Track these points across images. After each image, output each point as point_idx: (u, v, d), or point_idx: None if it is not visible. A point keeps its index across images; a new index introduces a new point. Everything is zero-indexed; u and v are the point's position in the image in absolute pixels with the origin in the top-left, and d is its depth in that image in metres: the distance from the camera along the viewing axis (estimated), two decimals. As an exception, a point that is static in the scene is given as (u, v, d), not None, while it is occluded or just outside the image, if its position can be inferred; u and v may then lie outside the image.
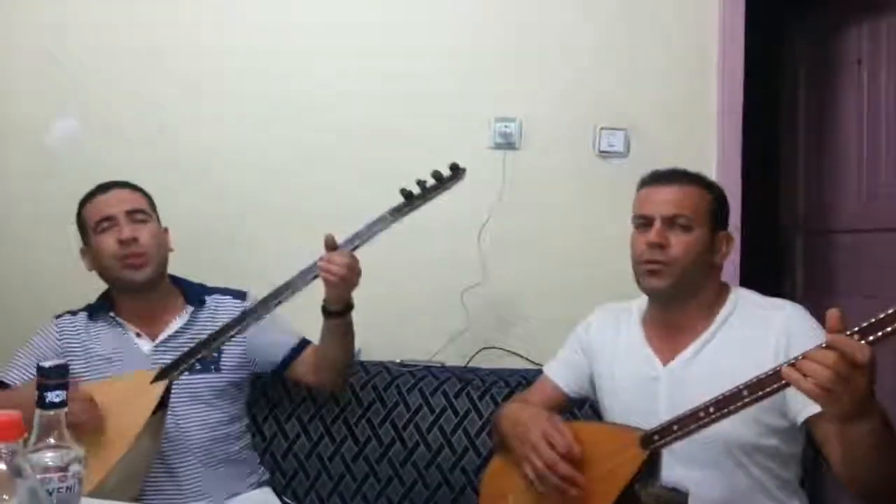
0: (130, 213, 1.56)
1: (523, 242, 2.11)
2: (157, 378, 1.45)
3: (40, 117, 2.23)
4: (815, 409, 1.13)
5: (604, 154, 2.09)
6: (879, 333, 0.92)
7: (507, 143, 2.10)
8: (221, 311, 1.64)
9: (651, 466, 1.15)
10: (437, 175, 1.52)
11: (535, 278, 2.11)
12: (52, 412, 0.83)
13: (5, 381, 1.56)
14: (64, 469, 0.82)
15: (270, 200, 2.16)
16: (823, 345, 0.94)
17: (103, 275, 1.60)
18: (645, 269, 1.31)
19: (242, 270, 2.00)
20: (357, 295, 2.12)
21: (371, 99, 2.14)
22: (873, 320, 0.93)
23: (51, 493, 0.81)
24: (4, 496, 0.78)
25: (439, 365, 1.93)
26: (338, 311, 1.54)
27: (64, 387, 0.84)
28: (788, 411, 1.22)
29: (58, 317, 1.65)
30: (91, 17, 2.22)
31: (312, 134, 2.16)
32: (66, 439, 0.83)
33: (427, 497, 1.74)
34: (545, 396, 1.50)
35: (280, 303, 1.50)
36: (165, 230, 1.67)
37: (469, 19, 2.14)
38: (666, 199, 1.30)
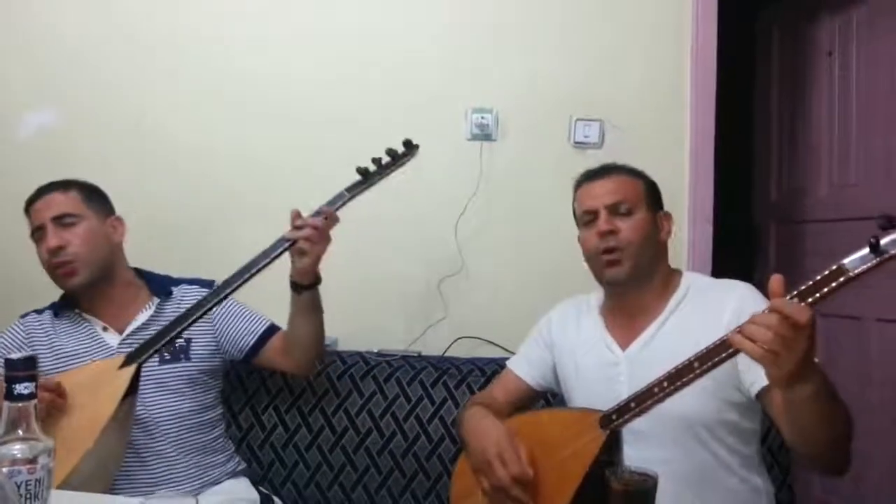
0: (57, 219, 1.53)
1: (500, 232, 2.12)
2: (125, 364, 1.44)
3: (13, 107, 2.21)
4: (766, 381, 1.16)
5: (579, 145, 2.11)
6: (817, 295, 0.95)
7: (483, 135, 2.11)
8: (188, 300, 1.62)
9: (612, 446, 1.17)
10: (391, 152, 1.54)
11: (511, 268, 2.12)
12: (20, 404, 0.83)
13: None
14: (33, 461, 0.82)
15: (246, 191, 2.15)
16: (767, 310, 0.96)
17: None
18: (604, 261, 1.35)
19: (218, 261, 1.97)
20: (334, 284, 2.14)
21: (347, 91, 2.14)
22: (810, 283, 0.96)
23: (19, 486, 0.80)
24: (-28, 489, 0.78)
25: (416, 354, 1.93)
26: (307, 285, 1.54)
27: (32, 379, 0.84)
28: (742, 385, 1.25)
29: (23, 316, 1.63)
30: (67, 6, 2.20)
31: (288, 125, 2.15)
32: (34, 431, 0.83)
33: (404, 485, 1.75)
34: (509, 391, 1.53)
35: (244, 282, 1.48)
36: (117, 220, 1.64)
37: (445, 11, 2.14)
38: (604, 191, 1.38)
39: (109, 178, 2.13)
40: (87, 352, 1.56)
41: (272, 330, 1.67)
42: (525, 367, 1.54)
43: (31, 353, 0.86)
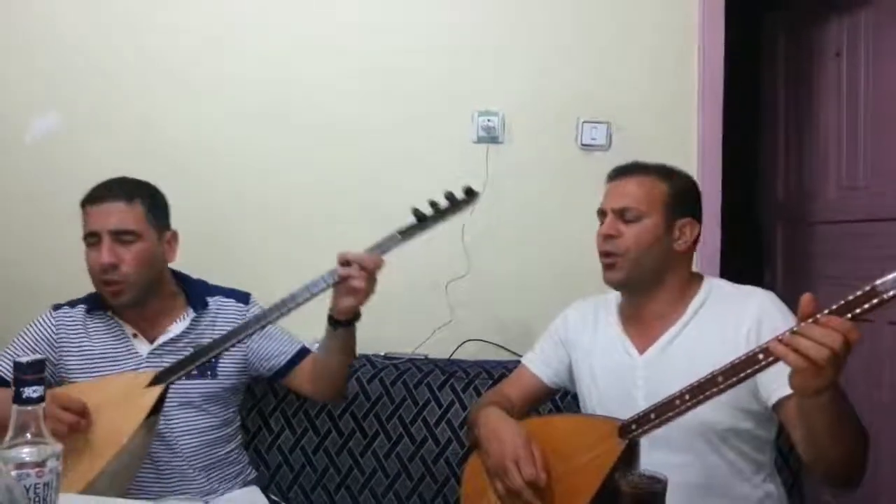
0: (116, 234, 1.47)
1: (506, 235, 2.12)
2: (153, 382, 1.41)
3: (13, 108, 2.21)
4: (785, 391, 1.16)
5: (586, 147, 2.10)
6: (848, 315, 0.95)
7: (490, 137, 2.11)
8: (223, 315, 1.60)
9: (630, 455, 1.16)
10: (449, 196, 1.48)
11: (518, 270, 2.12)
12: (28, 408, 0.83)
13: None
14: (41, 465, 0.82)
15: (252, 198, 2.15)
16: (812, 322, 0.95)
17: None
18: (603, 263, 1.36)
19: (221, 263, 1.97)
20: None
21: (354, 96, 2.14)
22: (842, 302, 0.96)
23: (28, 489, 0.80)
24: (-20, 492, 0.78)
25: (423, 357, 1.93)
26: (348, 321, 1.50)
27: (40, 382, 0.84)
28: (760, 395, 1.24)
29: (56, 308, 1.60)
30: (79, 12, 2.20)
31: (295, 131, 2.15)
32: (43, 435, 0.83)
33: (411, 489, 1.75)
34: (523, 387, 1.53)
35: (286, 313, 1.46)
36: (173, 235, 1.59)
37: (451, 14, 2.14)
38: (617, 194, 1.37)
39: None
40: (114, 357, 1.53)
41: (303, 353, 1.64)
42: (540, 365, 1.53)
43: (42, 356, 0.86)
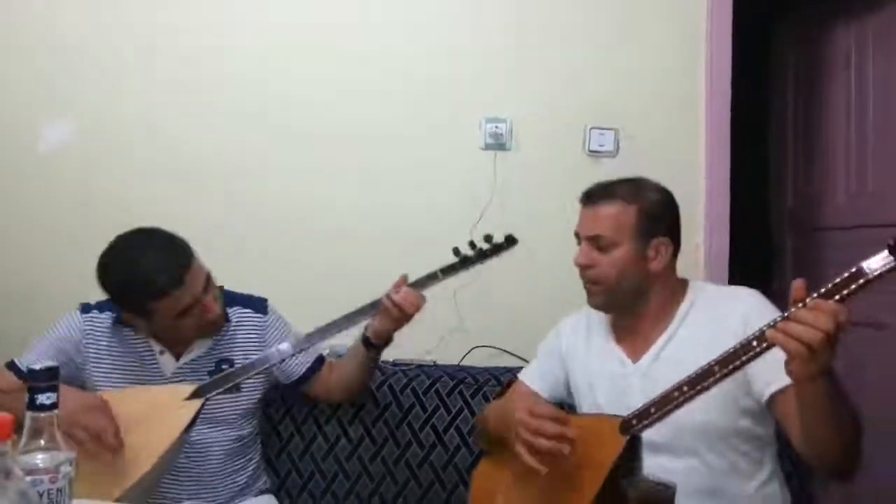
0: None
1: (514, 241, 2.12)
2: (193, 396, 1.43)
3: (29, 117, 2.22)
4: (777, 386, 1.18)
5: (593, 154, 2.11)
6: (837, 297, 0.97)
7: (497, 144, 2.12)
8: (243, 328, 1.60)
9: (632, 452, 1.17)
10: (489, 239, 1.57)
11: (526, 277, 2.12)
12: (42, 414, 0.84)
13: (21, 367, 1.49)
14: (54, 471, 0.83)
15: (252, 198, 2.16)
16: (803, 306, 0.97)
17: None
18: (584, 286, 1.38)
19: (226, 270, 1.97)
20: (349, 294, 2.14)
21: (363, 101, 2.15)
22: (830, 285, 0.98)
23: (41, 495, 0.81)
24: (-5, 498, 0.79)
25: (431, 364, 1.93)
26: (380, 345, 1.56)
27: (54, 389, 0.85)
28: (753, 390, 1.25)
29: (84, 311, 1.55)
30: (79, 12, 2.21)
31: (296, 132, 2.16)
32: (56, 441, 0.84)
33: (420, 495, 1.75)
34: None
35: (327, 338, 1.55)
36: None
37: (460, 21, 2.15)
38: (588, 222, 1.38)
39: (114, 182, 2.16)
40: (138, 373, 1.52)
41: (321, 362, 1.67)
42: (538, 381, 1.54)
43: (54, 363, 0.87)
